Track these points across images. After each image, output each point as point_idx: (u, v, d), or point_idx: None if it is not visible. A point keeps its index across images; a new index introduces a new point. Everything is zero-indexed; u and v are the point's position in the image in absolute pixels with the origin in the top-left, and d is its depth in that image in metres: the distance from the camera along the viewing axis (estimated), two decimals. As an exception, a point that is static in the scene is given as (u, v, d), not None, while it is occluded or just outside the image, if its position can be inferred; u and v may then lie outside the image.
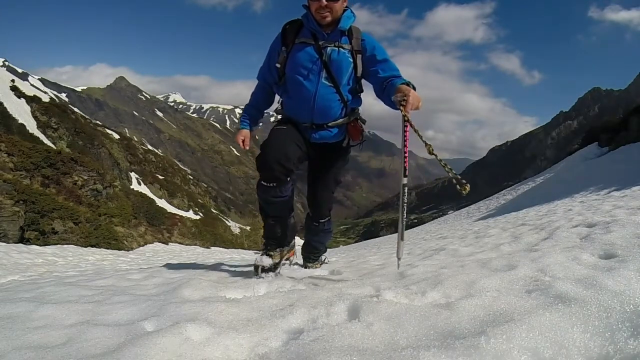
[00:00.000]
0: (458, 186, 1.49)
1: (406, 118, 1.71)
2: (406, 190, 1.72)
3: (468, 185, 1.47)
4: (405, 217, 1.74)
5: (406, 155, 1.73)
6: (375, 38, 2.13)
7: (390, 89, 1.88)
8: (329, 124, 2.13)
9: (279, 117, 2.31)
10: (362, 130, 2.23)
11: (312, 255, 2.64)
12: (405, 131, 1.72)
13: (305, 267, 2.63)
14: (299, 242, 2.71)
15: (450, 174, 1.53)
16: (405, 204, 1.73)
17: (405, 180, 1.72)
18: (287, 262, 2.54)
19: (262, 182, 2.07)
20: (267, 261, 2.13)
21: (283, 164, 2.00)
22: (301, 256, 2.75)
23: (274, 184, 2.04)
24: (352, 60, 2.06)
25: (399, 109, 1.75)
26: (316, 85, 2.04)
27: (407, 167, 1.72)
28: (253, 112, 2.32)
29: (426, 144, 1.64)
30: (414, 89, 1.83)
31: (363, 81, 2.16)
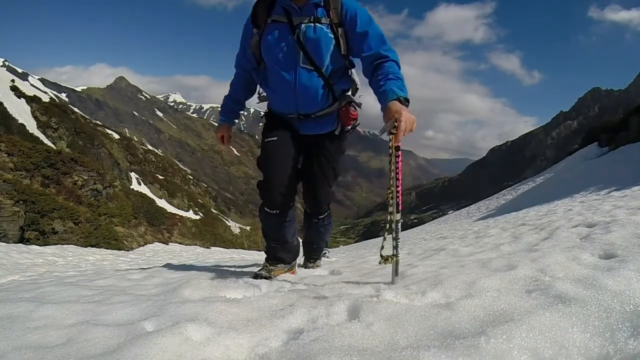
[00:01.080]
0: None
1: (396, 150, 1.47)
2: (399, 227, 1.52)
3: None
4: (399, 253, 1.54)
5: (399, 189, 1.49)
6: (359, 3, 1.79)
7: (380, 96, 1.63)
8: (318, 114, 1.89)
9: (266, 111, 2.10)
10: (353, 116, 1.98)
11: (313, 254, 2.51)
12: (397, 162, 1.48)
13: (306, 267, 2.49)
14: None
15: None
16: (398, 240, 1.52)
17: (398, 217, 1.50)
18: None
19: (266, 208, 1.94)
20: (265, 276, 1.98)
21: (287, 192, 1.89)
22: (302, 256, 2.56)
23: (277, 212, 1.93)
24: (332, 36, 1.75)
25: (387, 139, 1.47)
26: (294, 71, 1.77)
27: (400, 203, 1.51)
28: (231, 104, 2.12)
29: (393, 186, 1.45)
30: (407, 100, 1.56)
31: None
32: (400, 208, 1.52)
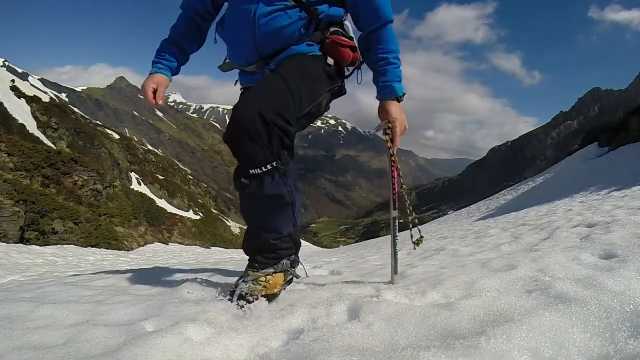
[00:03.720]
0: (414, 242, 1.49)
1: (391, 153, 1.40)
2: (397, 223, 1.50)
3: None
4: (397, 251, 1.51)
5: (395, 188, 1.45)
6: None
7: (378, 86, 1.44)
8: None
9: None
10: (350, 47, 1.41)
11: (259, 256, 1.31)
12: (392, 163, 1.43)
13: (244, 283, 1.29)
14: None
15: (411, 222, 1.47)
16: (397, 237, 1.50)
17: (395, 213, 1.47)
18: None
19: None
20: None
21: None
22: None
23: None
24: None
25: (383, 138, 1.41)
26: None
27: (396, 200, 1.46)
28: (172, 48, 1.51)
29: (401, 186, 1.47)
30: (402, 94, 1.43)
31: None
32: (396, 205, 1.48)
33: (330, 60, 1.41)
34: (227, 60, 1.53)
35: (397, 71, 1.45)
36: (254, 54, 1.38)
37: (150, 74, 1.50)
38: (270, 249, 1.31)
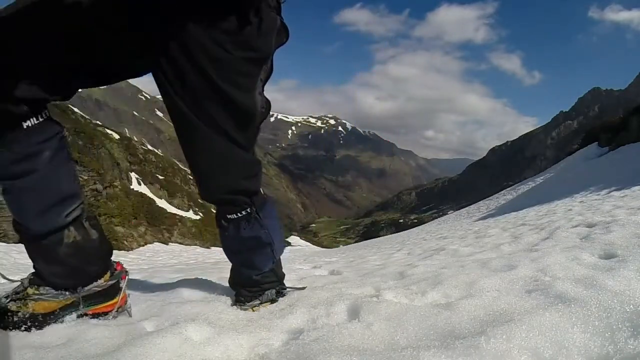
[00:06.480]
0: None
1: None
2: None
3: None
4: None
5: None
6: None
7: None
8: None
9: None
10: None
11: (244, 290, 1.32)
12: None
13: (241, 304, 1.30)
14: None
15: None
16: None
17: None
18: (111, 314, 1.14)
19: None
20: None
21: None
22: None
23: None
24: None
25: None
26: None
27: None
28: None
29: None
30: None
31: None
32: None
33: None
34: None
35: None
36: None
37: None
38: (253, 284, 1.32)
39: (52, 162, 0.94)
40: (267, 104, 1.11)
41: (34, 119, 0.90)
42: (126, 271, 1.19)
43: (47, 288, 1.02)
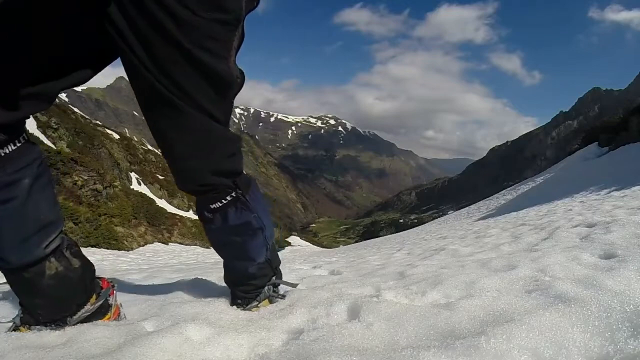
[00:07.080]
0: None
1: None
2: None
3: None
4: None
5: None
6: None
7: None
8: None
9: None
10: None
11: (238, 290, 1.27)
12: None
13: (239, 306, 1.27)
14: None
15: None
16: None
17: None
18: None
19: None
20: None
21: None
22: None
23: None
24: None
25: None
26: None
27: None
28: None
29: None
30: None
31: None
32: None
33: None
34: None
35: None
36: None
37: None
38: (250, 277, 1.24)
39: (32, 189, 0.87)
40: (242, 74, 0.99)
41: (12, 145, 0.81)
42: (113, 285, 1.14)
43: (39, 327, 0.99)
